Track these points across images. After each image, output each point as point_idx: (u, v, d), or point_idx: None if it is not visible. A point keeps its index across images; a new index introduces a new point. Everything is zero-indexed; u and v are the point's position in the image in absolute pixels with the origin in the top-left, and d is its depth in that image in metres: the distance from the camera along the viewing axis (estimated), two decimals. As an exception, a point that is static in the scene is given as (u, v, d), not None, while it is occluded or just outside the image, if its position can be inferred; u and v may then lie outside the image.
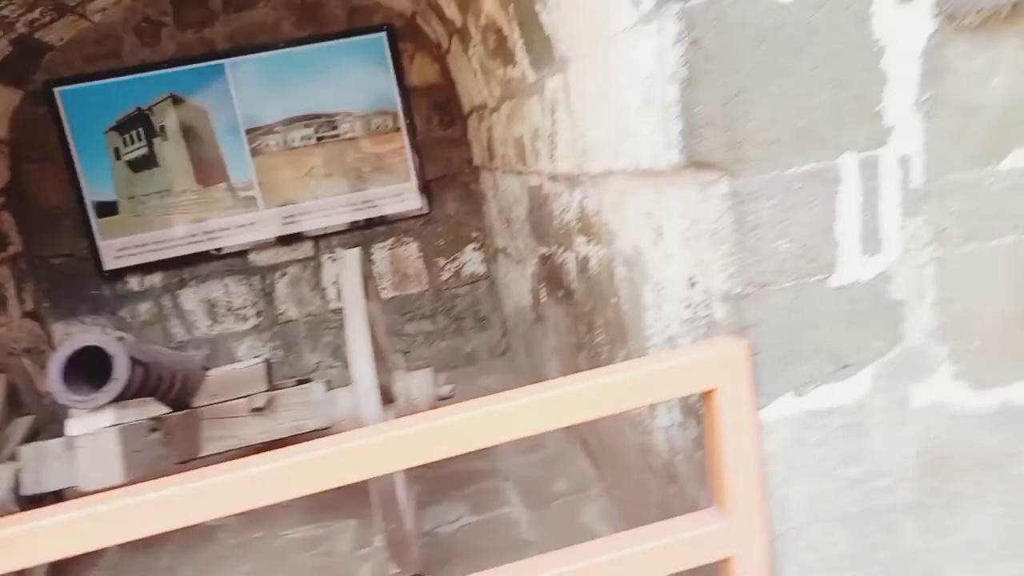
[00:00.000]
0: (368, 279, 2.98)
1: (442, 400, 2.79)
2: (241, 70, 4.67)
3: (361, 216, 5.01)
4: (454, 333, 5.46)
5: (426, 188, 5.06)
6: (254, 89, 4.70)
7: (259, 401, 2.73)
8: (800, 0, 1.31)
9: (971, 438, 1.51)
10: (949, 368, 1.48)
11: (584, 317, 2.75)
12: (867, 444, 1.48)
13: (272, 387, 2.93)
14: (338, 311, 5.20)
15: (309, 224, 4.98)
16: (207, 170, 4.76)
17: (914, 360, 1.47)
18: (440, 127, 5.08)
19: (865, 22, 1.34)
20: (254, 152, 4.79)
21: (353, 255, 2.54)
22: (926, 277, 1.44)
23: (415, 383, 2.75)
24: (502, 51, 3.00)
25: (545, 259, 3.31)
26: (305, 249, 5.12)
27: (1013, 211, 1.44)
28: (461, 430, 1.40)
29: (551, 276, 3.24)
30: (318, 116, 4.84)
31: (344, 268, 2.45)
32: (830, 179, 1.38)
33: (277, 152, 4.83)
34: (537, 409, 1.40)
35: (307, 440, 1.46)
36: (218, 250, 4.88)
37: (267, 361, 2.91)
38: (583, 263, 2.59)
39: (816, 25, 1.32)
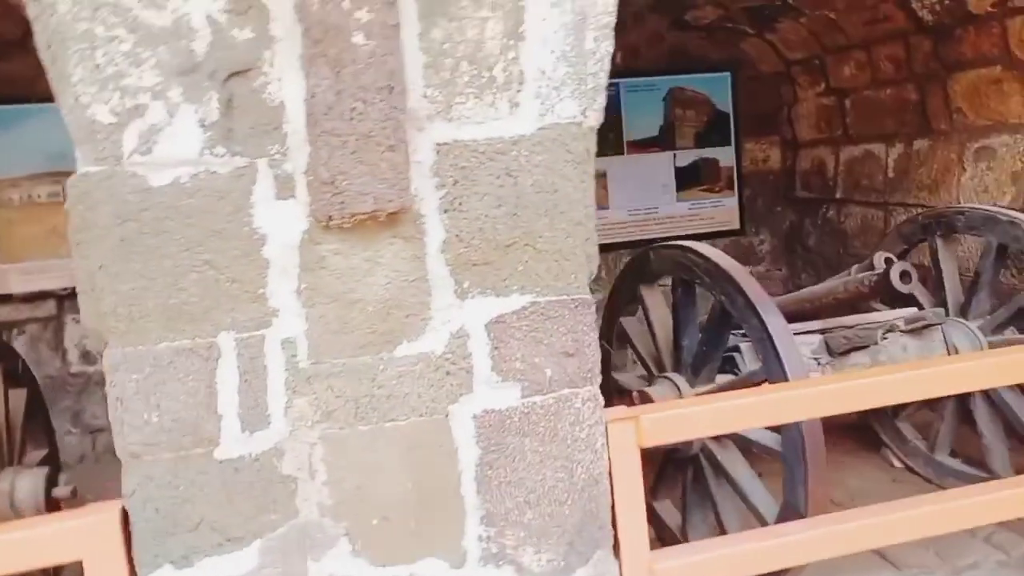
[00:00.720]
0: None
1: (58, 502, 2.64)
2: (-19, 121, 4.47)
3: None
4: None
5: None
6: (-3, 140, 4.51)
7: None
8: (172, 185, 1.36)
9: (375, 612, 1.55)
10: (347, 545, 1.51)
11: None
12: (260, 618, 1.48)
13: None
14: (78, 375, 4.96)
15: (53, 283, 4.74)
16: (-67, 220, 4.48)
17: (309, 536, 1.50)
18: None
19: (244, 211, 1.40)
20: (-8, 205, 4.56)
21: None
22: (316, 455, 1.48)
23: (22, 484, 2.60)
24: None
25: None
26: (48, 308, 4.86)
27: (405, 396, 1.51)
28: None
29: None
30: (69, 173, 4.67)
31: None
32: (208, 356, 1.41)
33: (20, 206, 4.62)
34: None
35: None
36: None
37: None
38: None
39: (188, 210, 1.37)
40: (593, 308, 1.61)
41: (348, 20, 1.29)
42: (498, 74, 1.48)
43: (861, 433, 3.67)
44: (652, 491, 3.04)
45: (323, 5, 1.27)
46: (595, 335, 1.61)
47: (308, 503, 1.49)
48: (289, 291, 1.43)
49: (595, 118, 1.56)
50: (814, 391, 1.72)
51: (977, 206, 3.28)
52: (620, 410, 1.66)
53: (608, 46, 1.56)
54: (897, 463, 3.52)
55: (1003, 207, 3.28)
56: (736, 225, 5.60)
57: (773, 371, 2.29)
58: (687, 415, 1.67)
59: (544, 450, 1.60)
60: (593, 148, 1.59)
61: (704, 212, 5.55)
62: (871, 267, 2.98)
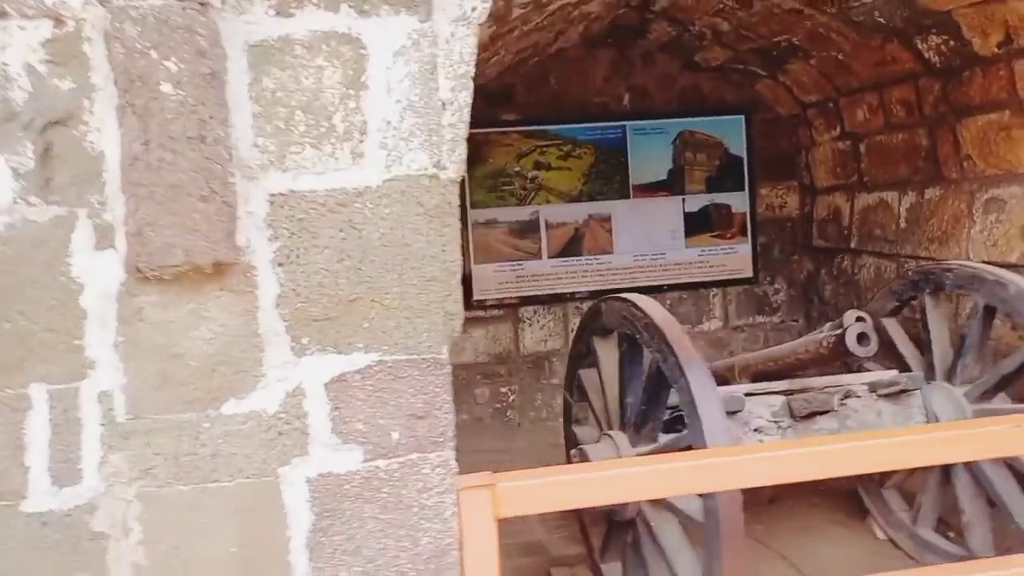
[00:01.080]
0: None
1: None
2: None
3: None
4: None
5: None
6: None
7: None
8: (-14, 232, 1.34)
9: None
10: (162, 607, 1.44)
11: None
12: None
13: None
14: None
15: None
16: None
17: (127, 597, 1.43)
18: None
19: (62, 260, 1.37)
20: None
21: None
22: (132, 513, 1.42)
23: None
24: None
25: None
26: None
27: (231, 456, 1.44)
28: None
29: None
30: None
31: None
32: (18, 407, 1.37)
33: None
34: None
35: None
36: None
37: None
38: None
39: (2, 258, 1.35)
40: (448, 368, 1.51)
41: (156, 70, 1.25)
42: (338, 123, 1.42)
43: (856, 499, 3.41)
44: (601, 552, 2.88)
45: (129, 55, 1.24)
46: (449, 397, 1.51)
47: (121, 563, 1.42)
48: (107, 343, 1.39)
49: (455, 170, 1.48)
50: (696, 464, 1.57)
51: (966, 263, 3.04)
52: (475, 477, 1.54)
53: (467, 96, 1.48)
54: (881, 535, 3.24)
55: (996, 264, 3.03)
56: (749, 273, 5.38)
57: (696, 435, 2.13)
58: (548, 485, 1.55)
59: (386, 518, 1.50)
60: (455, 201, 1.50)
61: (715, 259, 5.36)
62: (841, 326, 2.78)
